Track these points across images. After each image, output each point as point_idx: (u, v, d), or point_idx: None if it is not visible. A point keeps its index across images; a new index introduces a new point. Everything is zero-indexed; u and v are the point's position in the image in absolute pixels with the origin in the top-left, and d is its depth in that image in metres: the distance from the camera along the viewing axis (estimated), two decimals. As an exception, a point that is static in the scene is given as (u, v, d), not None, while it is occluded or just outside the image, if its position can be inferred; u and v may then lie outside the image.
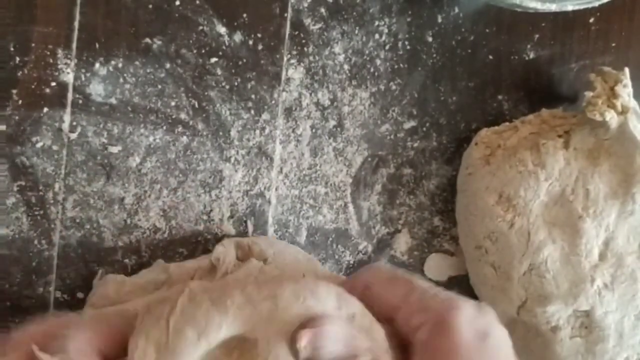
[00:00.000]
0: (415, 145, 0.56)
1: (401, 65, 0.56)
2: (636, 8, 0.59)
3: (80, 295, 0.51)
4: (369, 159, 0.56)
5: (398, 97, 0.56)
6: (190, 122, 0.52)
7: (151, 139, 0.52)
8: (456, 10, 0.56)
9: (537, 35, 0.58)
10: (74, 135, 0.50)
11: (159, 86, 0.52)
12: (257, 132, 0.54)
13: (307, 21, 0.54)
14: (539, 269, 0.51)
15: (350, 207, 0.56)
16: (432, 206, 0.57)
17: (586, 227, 0.51)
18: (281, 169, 0.54)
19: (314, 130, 0.55)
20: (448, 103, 0.57)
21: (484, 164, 0.53)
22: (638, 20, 0.59)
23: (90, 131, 0.51)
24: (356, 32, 0.55)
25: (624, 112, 0.51)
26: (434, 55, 0.56)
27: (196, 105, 0.52)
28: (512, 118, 0.57)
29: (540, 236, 0.51)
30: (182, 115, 0.52)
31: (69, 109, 0.50)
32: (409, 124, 0.56)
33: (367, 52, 0.55)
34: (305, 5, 0.54)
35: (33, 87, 0.49)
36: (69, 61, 0.50)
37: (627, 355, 0.52)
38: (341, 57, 0.55)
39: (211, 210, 0.53)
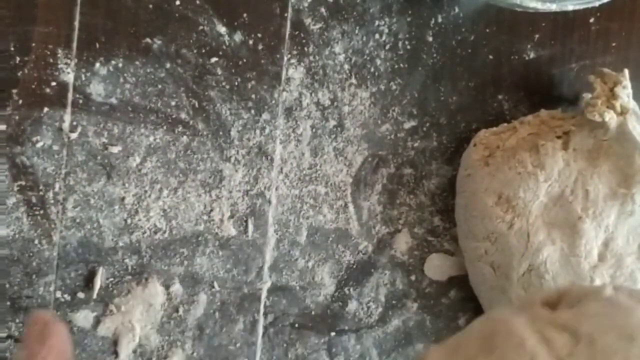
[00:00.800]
0: (416, 145, 0.57)
1: (401, 65, 0.56)
2: (636, 8, 0.59)
3: (80, 295, 0.51)
4: (369, 159, 0.56)
5: (398, 97, 0.56)
6: (191, 122, 0.52)
7: (151, 138, 0.52)
8: (456, 10, 0.56)
9: (537, 35, 0.58)
10: (74, 135, 0.50)
11: (159, 86, 0.52)
12: (258, 131, 0.54)
13: (308, 21, 0.54)
14: (538, 270, 0.51)
15: (351, 207, 0.56)
16: (432, 206, 0.57)
17: (586, 227, 0.51)
18: (281, 168, 0.54)
19: (314, 130, 0.55)
20: (448, 103, 0.57)
21: (483, 165, 0.53)
22: (638, 20, 0.59)
23: (91, 131, 0.51)
24: (356, 31, 0.55)
25: (623, 113, 0.51)
26: (434, 55, 0.56)
27: (196, 105, 0.52)
28: (512, 118, 0.57)
29: (540, 237, 0.51)
30: (183, 115, 0.52)
31: (69, 109, 0.50)
32: (409, 124, 0.56)
33: (367, 51, 0.55)
34: (306, 5, 0.53)
35: (33, 86, 0.49)
36: (69, 61, 0.50)
37: (626, 355, 0.52)
38: (341, 57, 0.55)
39: (211, 210, 0.53)
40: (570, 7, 0.51)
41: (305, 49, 0.54)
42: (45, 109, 0.50)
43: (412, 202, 0.57)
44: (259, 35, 0.53)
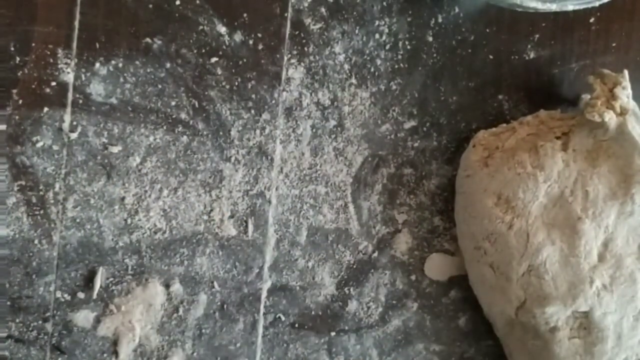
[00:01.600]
0: (416, 145, 0.57)
1: (401, 65, 0.56)
2: (636, 8, 0.59)
3: (80, 295, 0.51)
4: (370, 159, 0.56)
5: (398, 96, 0.56)
6: (191, 122, 0.52)
7: (151, 138, 0.52)
8: (456, 10, 0.56)
9: (537, 35, 0.58)
10: (74, 135, 0.50)
11: (159, 86, 0.52)
12: (258, 131, 0.54)
13: (308, 21, 0.54)
14: (538, 270, 0.51)
15: (351, 207, 0.56)
16: (432, 206, 0.57)
17: (585, 228, 0.51)
18: (281, 168, 0.54)
19: (314, 130, 0.55)
20: (448, 103, 0.57)
21: (482, 166, 0.53)
22: (638, 20, 0.59)
23: (91, 131, 0.51)
24: (356, 31, 0.55)
25: (622, 113, 0.51)
26: (434, 55, 0.56)
27: (196, 105, 0.52)
28: (512, 118, 0.57)
29: (539, 237, 0.51)
30: (183, 115, 0.52)
31: (69, 109, 0.50)
32: (410, 124, 0.56)
33: (367, 51, 0.55)
34: (306, 5, 0.53)
35: (33, 86, 0.50)
36: (69, 61, 0.50)
37: (625, 356, 0.52)
38: (341, 57, 0.55)
39: (211, 210, 0.53)
40: (570, 7, 0.51)
41: (306, 49, 0.54)
42: (45, 109, 0.50)
43: (412, 202, 0.57)
44: (259, 35, 0.53)
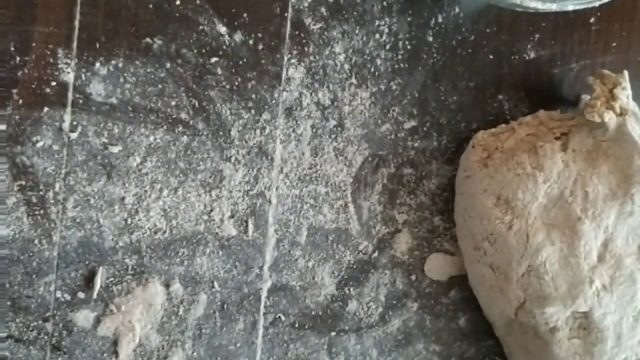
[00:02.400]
0: (416, 145, 0.57)
1: (402, 65, 0.56)
2: (636, 8, 0.59)
3: (80, 295, 0.51)
4: (370, 159, 0.56)
5: (398, 96, 0.56)
6: (191, 122, 0.52)
7: (151, 138, 0.52)
8: (457, 10, 0.56)
9: (537, 35, 0.58)
10: (74, 135, 0.50)
11: (160, 86, 0.52)
12: (258, 131, 0.54)
13: (308, 21, 0.54)
14: (537, 271, 0.51)
15: (351, 207, 0.56)
16: (432, 206, 0.57)
17: (585, 228, 0.51)
18: (281, 168, 0.54)
19: (314, 130, 0.55)
20: (448, 103, 0.57)
21: (481, 167, 0.54)
22: (638, 20, 0.59)
23: (91, 131, 0.51)
24: (357, 31, 0.55)
25: (622, 114, 0.51)
26: (435, 55, 0.56)
27: (196, 105, 0.52)
28: (512, 118, 0.57)
29: (539, 238, 0.51)
30: (183, 115, 0.52)
31: (69, 109, 0.50)
32: (410, 124, 0.56)
33: (367, 51, 0.55)
34: (306, 5, 0.53)
35: (33, 86, 0.49)
36: (69, 61, 0.50)
37: (625, 356, 0.52)
38: (342, 57, 0.55)
39: (212, 210, 0.53)
40: (570, 7, 0.51)
41: (306, 48, 0.54)
42: (46, 109, 0.50)
43: (412, 202, 0.57)
44: (259, 35, 0.53)
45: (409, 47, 0.56)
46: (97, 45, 0.50)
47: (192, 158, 0.53)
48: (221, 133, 0.53)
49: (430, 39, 0.56)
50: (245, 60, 0.53)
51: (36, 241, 0.50)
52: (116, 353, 0.52)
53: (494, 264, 0.53)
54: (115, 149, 0.51)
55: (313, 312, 0.56)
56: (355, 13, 0.54)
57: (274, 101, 0.54)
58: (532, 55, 0.58)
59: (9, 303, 0.50)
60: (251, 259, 0.54)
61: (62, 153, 0.50)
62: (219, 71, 0.52)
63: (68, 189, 0.51)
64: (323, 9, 0.54)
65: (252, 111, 0.53)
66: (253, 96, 0.53)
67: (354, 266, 0.56)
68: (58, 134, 0.50)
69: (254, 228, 0.54)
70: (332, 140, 0.55)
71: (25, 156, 0.50)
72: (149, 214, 0.52)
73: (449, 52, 0.56)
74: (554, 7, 0.51)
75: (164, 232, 0.52)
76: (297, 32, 0.54)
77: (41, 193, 0.50)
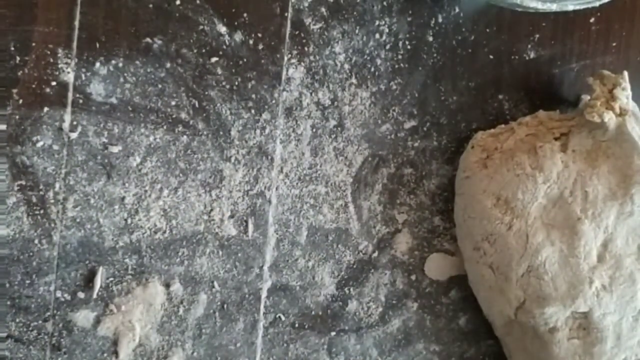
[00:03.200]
0: (416, 144, 0.57)
1: (402, 64, 0.56)
2: (637, 8, 0.59)
3: (80, 295, 0.51)
4: (370, 159, 0.56)
5: (398, 96, 0.56)
6: (191, 122, 0.52)
7: (151, 138, 0.52)
8: (457, 10, 0.56)
9: (537, 35, 0.58)
10: (74, 135, 0.50)
11: (160, 86, 0.52)
12: (258, 131, 0.54)
13: (308, 21, 0.54)
14: (537, 271, 0.51)
15: (351, 207, 0.56)
16: (432, 206, 0.57)
17: (585, 228, 0.51)
18: (281, 168, 0.54)
19: (314, 130, 0.55)
20: (448, 103, 0.57)
21: (481, 168, 0.54)
22: (638, 20, 0.59)
23: (91, 131, 0.51)
24: (357, 31, 0.55)
25: (622, 114, 0.51)
26: (435, 55, 0.56)
27: (196, 105, 0.52)
28: (512, 118, 0.57)
29: (539, 238, 0.51)
30: (183, 115, 0.52)
31: (69, 109, 0.50)
32: (410, 124, 0.56)
33: (367, 51, 0.55)
34: (306, 4, 0.53)
35: (33, 86, 0.49)
36: (69, 60, 0.50)
37: (625, 356, 0.53)
38: (342, 57, 0.55)
39: (211, 210, 0.53)
40: (570, 7, 0.51)
41: (306, 48, 0.54)
42: (46, 109, 0.50)
43: (412, 202, 0.57)
44: (259, 35, 0.53)
45: (409, 47, 0.56)
46: (97, 45, 0.50)
47: (192, 158, 0.53)
48: (221, 133, 0.53)
49: (430, 39, 0.56)
50: (245, 60, 0.53)
51: (36, 241, 0.50)
52: (116, 353, 0.52)
53: (493, 264, 0.53)
54: (115, 149, 0.51)
55: (313, 312, 0.56)
56: (355, 13, 0.54)
57: (274, 101, 0.54)
58: (532, 55, 0.58)
59: (9, 303, 0.50)
60: (251, 259, 0.54)
61: (62, 153, 0.50)
62: (219, 71, 0.52)
63: (68, 188, 0.51)
64: (323, 9, 0.54)
65: (252, 111, 0.53)
66: (253, 96, 0.53)
67: (354, 266, 0.56)
68: (58, 133, 0.50)
69: (254, 228, 0.54)
70: (332, 140, 0.55)
71: (25, 156, 0.50)
72: (149, 214, 0.52)
73: (449, 52, 0.56)
74: (554, 7, 0.51)
75: (164, 232, 0.52)
76: (297, 32, 0.54)
77: (41, 193, 0.50)
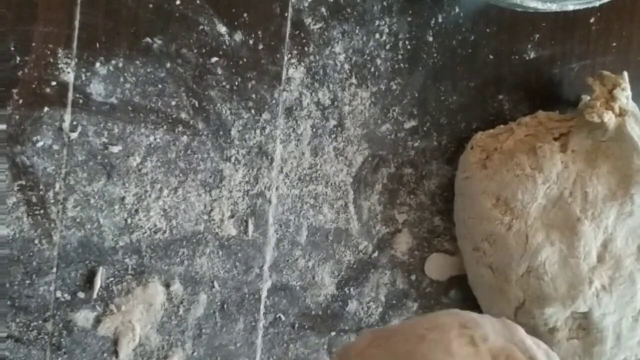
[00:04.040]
0: (416, 145, 0.57)
1: (402, 64, 0.56)
2: (637, 8, 0.59)
3: (80, 295, 0.51)
4: (370, 159, 0.56)
5: (398, 96, 0.56)
6: (191, 122, 0.52)
7: (152, 138, 0.52)
8: (457, 10, 0.56)
9: (537, 35, 0.58)
10: (74, 135, 0.50)
11: (160, 86, 0.52)
12: (258, 131, 0.54)
13: (308, 21, 0.54)
14: (537, 271, 0.51)
15: (351, 207, 0.56)
16: (432, 206, 0.57)
17: (584, 229, 0.51)
18: (282, 168, 0.54)
19: (314, 130, 0.55)
20: (448, 103, 0.57)
21: (480, 168, 0.54)
22: (638, 20, 0.59)
23: (91, 131, 0.51)
24: (357, 31, 0.55)
25: (622, 114, 0.51)
26: (435, 55, 0.56)
27: (196, 105, 0.52)
28: (512, 118, 0.57)
29: (538, 238, 0.51)
30: (183, 115, 0.52)
31: (69, 109, 0.50)
32: (410, 124, 0.56)
33: (367, 51, 0.55)
34: (306, 4, 0.53)
35: (33, 86, 0.49)
36: (69, 60, 0.50)
37: (624, 356, 0.53)
38: (342, 57, 0.55)
39: (212, 210, 0.53)
40: (570, 7, 0.51)
41: (306, 48, 0.54)
42: (46, 109, 0.50)
43: (412, 202, 0.57)
44: (259, 35, 0.53)
45: (409, 47, 0.56)
46: (97, 45, 0.50)
47: (192, 158, 0.53)
48: (221, 133, 0.53)
49: (430, 39, 0.56)
50: (245, 60, 0.53)
51: (36, 241, 0.50)
52: (116, 353, 0.52)
53: (493, 264, 0.53)
54: (115, 149, 0.51)
55: (313, 312, 0.56)
56: (355, 13, 0.54)
57: (274, 101, 0.54)
58: (532, 55, 0.58)
59: (9, 303, 0.50)
60: (251, 259, 0.54)
61: (62, 153, 0.50)
62: (219, 71, 0.52)
63: (68, 188, 0.51)
64: (323, 9, 0.54)
65: (252, 111, 0.53)
66: (253, 96, 0.53)
67: (354, 266, 0.56)
68: (58, 133, 0.50)
69: (254, 228, 0.54)
70: (332, 140, 0.55)
71: (25, 156, 0.50)
72: (149, 214, 0.52)
73: (449, 52, 0.56)
74: (554, 7, 0.51)
75: (164, 232, 0.52)
76: (297, 32, 0.54)
77: (41, 193, 0.50)
